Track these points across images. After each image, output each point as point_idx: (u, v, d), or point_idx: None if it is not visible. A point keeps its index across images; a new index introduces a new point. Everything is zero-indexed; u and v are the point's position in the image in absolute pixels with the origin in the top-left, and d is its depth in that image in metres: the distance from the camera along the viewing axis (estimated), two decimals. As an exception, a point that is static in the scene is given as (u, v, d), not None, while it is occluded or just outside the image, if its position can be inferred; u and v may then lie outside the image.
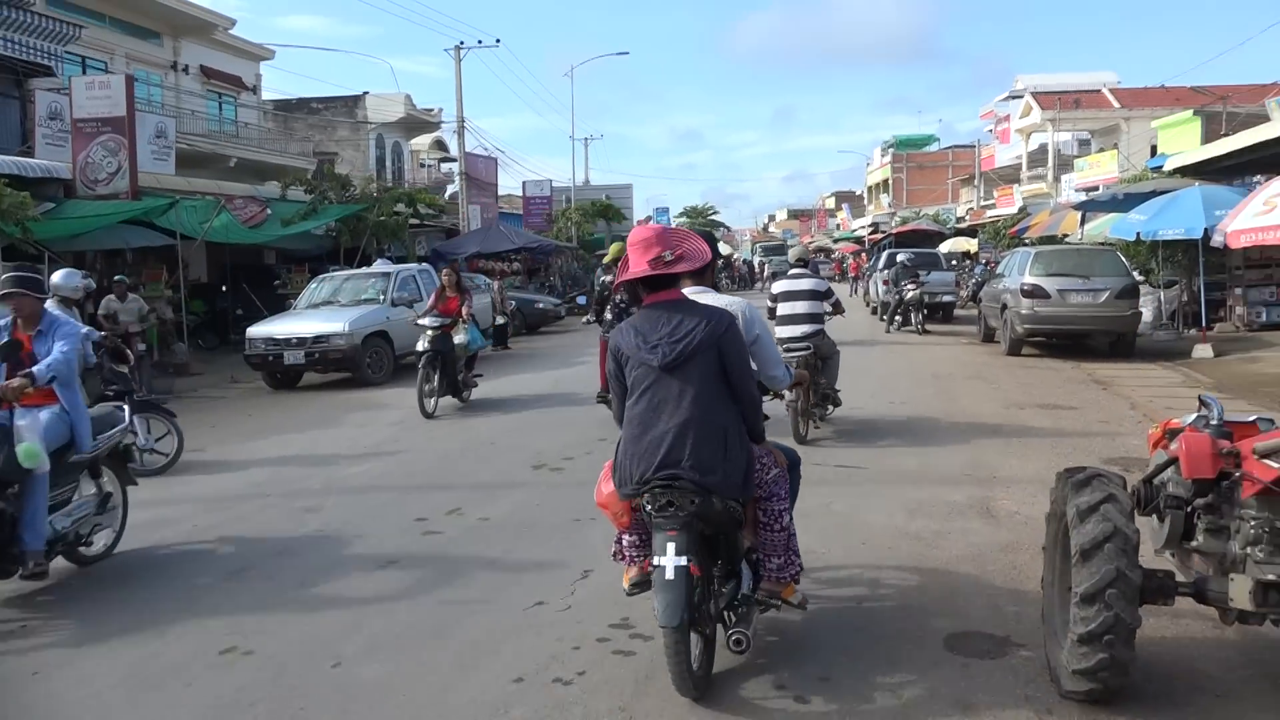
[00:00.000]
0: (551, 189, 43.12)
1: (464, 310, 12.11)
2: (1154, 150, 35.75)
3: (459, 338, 11.89)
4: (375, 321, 15.44)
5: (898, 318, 21.17)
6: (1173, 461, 3.92)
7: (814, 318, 9.25)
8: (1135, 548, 3.58)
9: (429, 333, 11.67)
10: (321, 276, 18.51)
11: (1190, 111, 34.23)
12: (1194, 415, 4.08)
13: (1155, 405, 10.76)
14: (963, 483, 7.26)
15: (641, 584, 4.19)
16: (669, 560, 3.75)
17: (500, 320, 20.63)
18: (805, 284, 9.48)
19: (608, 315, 11.20)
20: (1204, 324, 15.69)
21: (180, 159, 23.34)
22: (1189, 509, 3.90)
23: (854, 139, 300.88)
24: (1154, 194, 16.60)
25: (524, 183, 42.65)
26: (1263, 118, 22.46)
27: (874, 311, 25.77)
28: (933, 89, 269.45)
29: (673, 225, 8.22)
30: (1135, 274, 16.36)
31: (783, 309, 9.28)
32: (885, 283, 22.88)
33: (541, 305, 26.26)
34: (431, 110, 43.41)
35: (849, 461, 8.17)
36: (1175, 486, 3.98)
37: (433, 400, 11.61)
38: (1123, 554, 3.53)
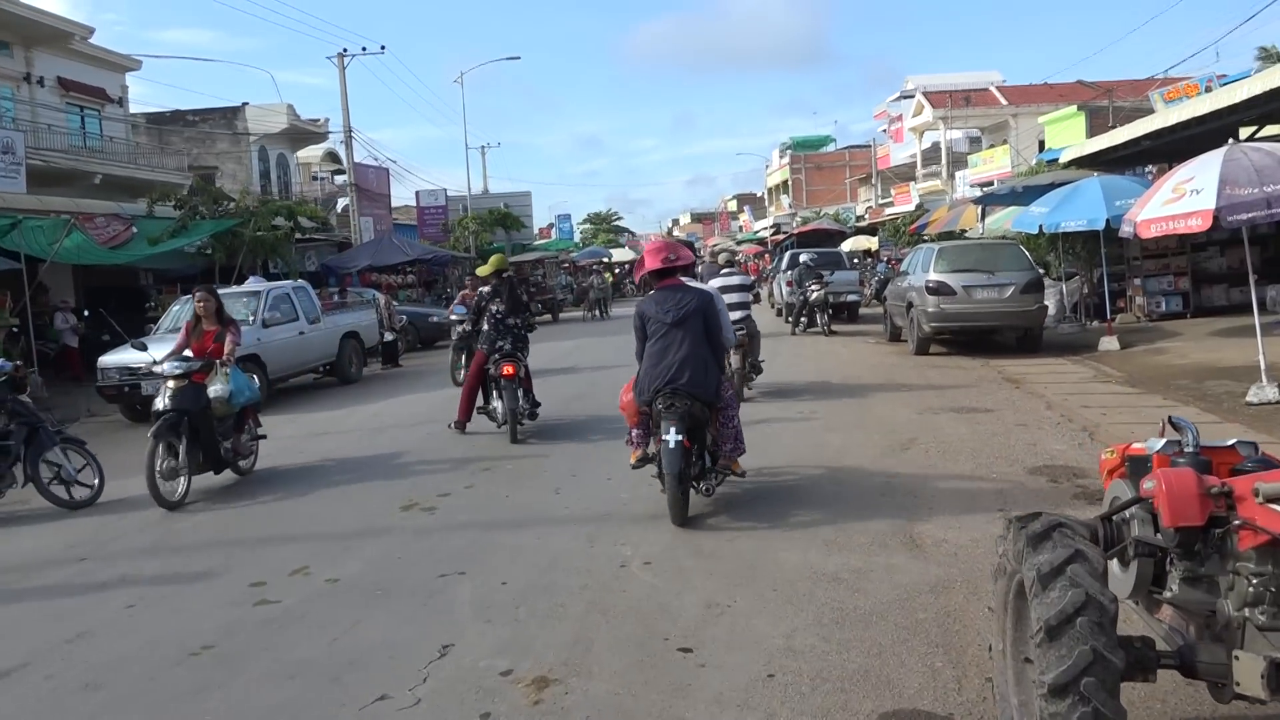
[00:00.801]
0: (447, 198, 41.80)
1: (226, 349, 8.81)
2: (1042, 145, 36.43)
3: (214, 389, 8.61)
4: (243, 344, 14.11)
5: (803, 319, 20.65)
6: (1138, 501, 3.17)
7: (744, 305, 11.74)
8: (1114, 620, 2.80)
9: (168, 385, 8.39)
10: (184, 297, 17.04)
11: (1074, 107, 35.02)
12: (1161, 441, 3.33)
13: (1071, 404, 10.28)
14: (882, 506, 6.52)
15: (642, 460, 6.80)
16: (672, 436, 6.26)
17: (389, 336, 19.37)
18: (736, 279, 11.98)
19: (484, 327, 10.30)
20: (1108, 316, 15.45)
21: (36, 176, 21.50)
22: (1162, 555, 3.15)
23: (753, 142, 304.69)
24: (1052, 186, 16.37)
25: (417, 192, 41.25)
26: (1146, 111, 22.67)
27: (779, 313, 25.28)
28: (827, 91, 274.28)
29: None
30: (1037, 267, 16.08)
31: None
32: (789, 284, 22.37)
33: (436, 319, 25.03)
34: (318, 121, 41.65)
35: (771, 473, 7.37)
36: (1143, 527, 3.21)
37: (179, 483, 8.18)
38: (1099, 631, 2.74)
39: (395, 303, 23.58)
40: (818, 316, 20.23)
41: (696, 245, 71.22)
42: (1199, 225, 8.90)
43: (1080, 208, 14.12)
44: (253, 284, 16.96)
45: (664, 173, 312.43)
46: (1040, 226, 14.62)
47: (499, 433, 10.27)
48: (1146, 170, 18.81)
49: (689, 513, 6.38)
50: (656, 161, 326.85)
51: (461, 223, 40.27)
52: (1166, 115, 14.94)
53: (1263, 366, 9.64)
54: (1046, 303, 15.51)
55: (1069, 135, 33.65)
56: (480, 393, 10.58)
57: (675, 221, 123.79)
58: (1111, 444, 4.02)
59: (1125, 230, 9.99)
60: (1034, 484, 6.91)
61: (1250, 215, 8.71)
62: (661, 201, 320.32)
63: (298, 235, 25.88)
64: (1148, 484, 3.09)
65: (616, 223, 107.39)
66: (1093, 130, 28.18)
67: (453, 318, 13.13)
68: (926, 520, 6.11)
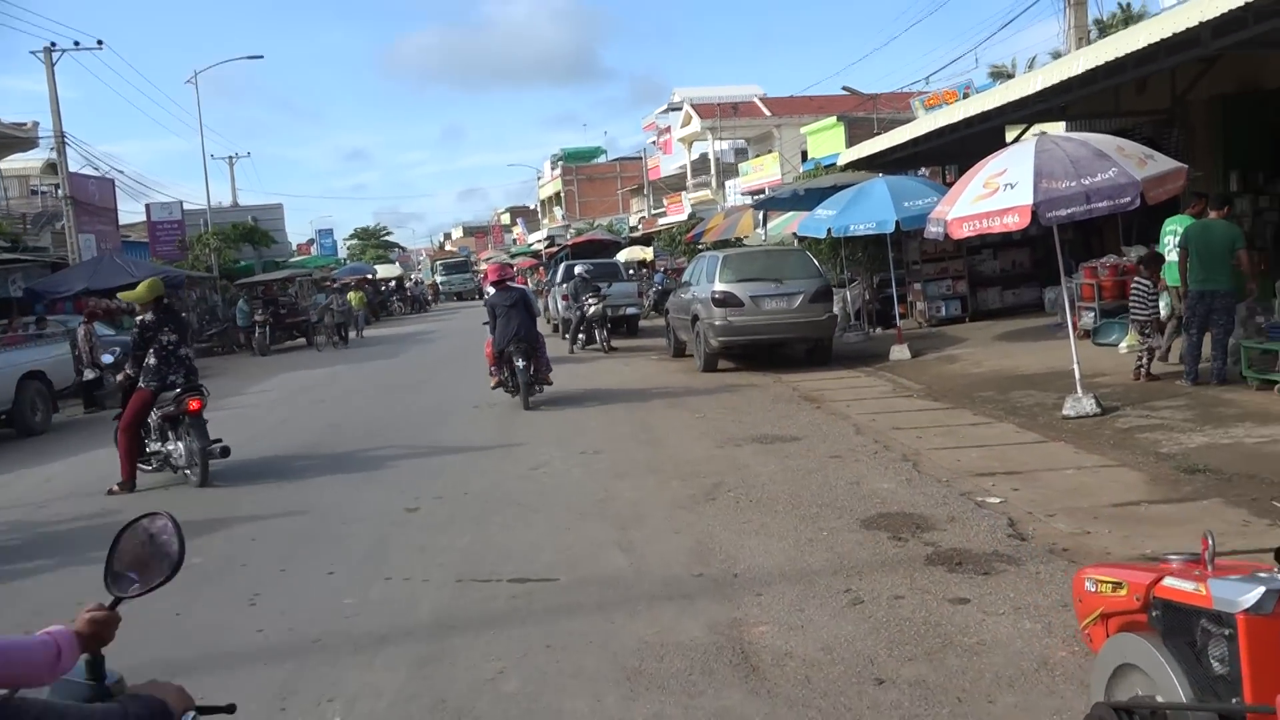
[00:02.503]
0: (183, 212, 37.43)
1: None
2: (805, 155, 37.04)
3: None
4: None
5: (580, 336, 19.12)
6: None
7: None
8: None
9: None
10: None
11: (834, 118, 35.82)
12: (1251, 589, 1.84)
13: (880, 425, 9.19)
14: (697, 598, 4.89)
15: (499, 385, 12.10)
16: (519, 363, 11.61)
17: (90, 374, 16.06)
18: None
19: (150, 361, 8.32)
20: (897, 324, 14.81)
21: None
22: None
23: (524, 155, 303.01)
24: (835, 188, 15.65)
25: (147, 205, 36.67)
26: (906, 120, 22.83)
27: (555, 329, 23.67)
28: (596, 105, 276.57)
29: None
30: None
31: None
32: (565, 298, 20.80)
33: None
34: (24, 125, 36.26)
35: (532, 573, 5.59)
36: None
37: None
38: None
39: (113, 331, 20.06)
40: (596, 333, 18.75)
41: (470, 259, 70.25)
42: (1016, 223, 7.97)
43: (868, 210, 13.33)
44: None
45: (435, 186, 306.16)
46: (829, 230, 13.72)
47: (179, 482, 8.29)
48: (920, 172, 18.58)
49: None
50: (427, 175, 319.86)
51: (201, 239, 36.13)
52: (951, 113, 14.49)
53: (1077, 376, 8.87)
54: (835, 311, 14.66)
55: (830, 145, 34.26)
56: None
57: (447, 235, 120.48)
58: (1097, 568, 2.51)
59: (933, 231, 8.99)
60: (875, 545, 5.53)
61: (1069, 211, 7.85)
62: (434, 215, 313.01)
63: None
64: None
65: (385, 237, 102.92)
66: (852, 140, 28.48)
67: (106, 360, 10.27)
68: (759, 619, 4.53)
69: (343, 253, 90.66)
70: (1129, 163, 7.98)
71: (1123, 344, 11.34)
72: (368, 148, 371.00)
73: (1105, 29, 28.39)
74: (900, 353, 13.81)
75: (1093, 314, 12.98)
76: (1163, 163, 8.24)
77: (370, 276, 46.09)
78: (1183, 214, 10.11)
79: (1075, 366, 8.89)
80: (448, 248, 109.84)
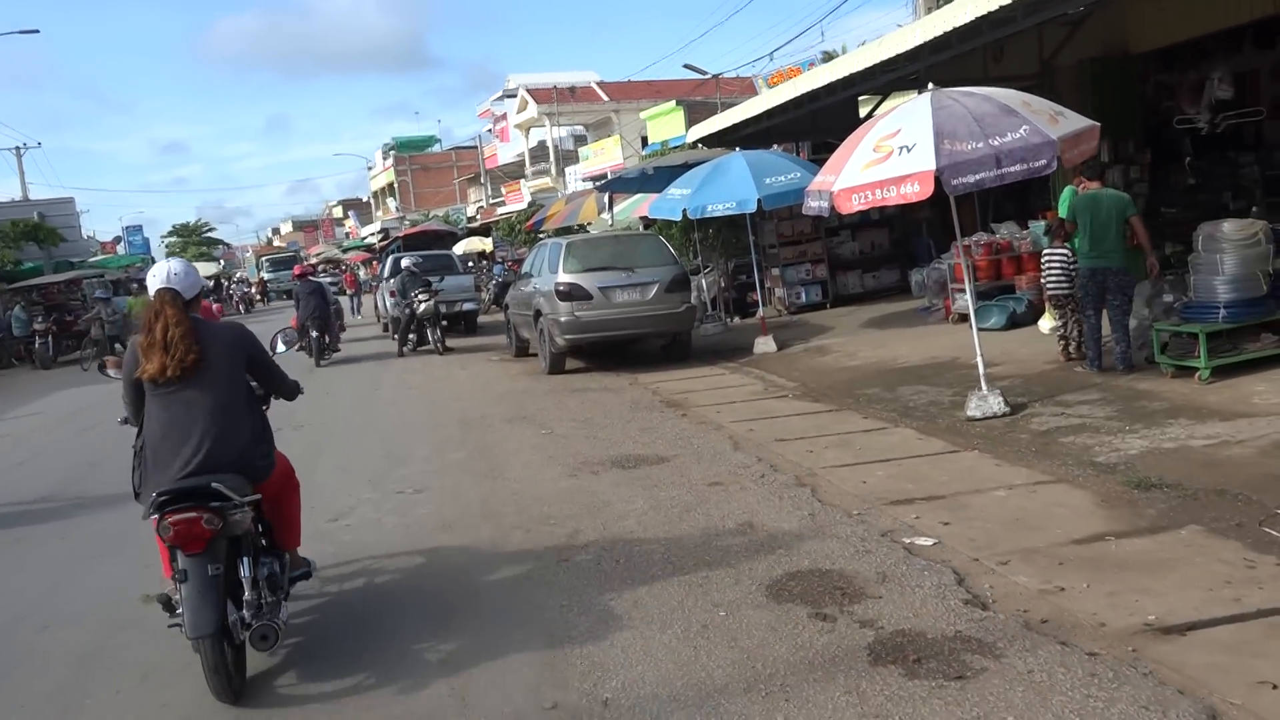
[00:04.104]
0: (-51, 208, 32.91)
1: None
2: (645, 141, 35.84)
3: None
4: None
5: (411, 336, 17.09)
6: None
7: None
8: None
9: None
10: None
11: (674, 102, 34.74)
12: None
13: (760, 437, 7.78)
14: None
15: (301, 349, 15.29)
16: (313, 334, 15.88)
17: None
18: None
19: None
20: (760, 313, 13.51)
21: None
22: None
23: (357, 146, 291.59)
24: (686, 166, 14.20)
25: (-100, 202, 32.02)
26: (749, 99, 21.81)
27: (385, 329, 21.48)
28: (428, 94, 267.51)
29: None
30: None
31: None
32: (393, 294, 18.69)
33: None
34: None
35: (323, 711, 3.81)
36: None
37: None
38: None
39: None
40: (429, 332, 16.78)
41: (300, 254, 67.22)
42: (917, 192, 6.64)
43: (727, 188, 11.93)
44: None
45: (262, 179, 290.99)
46: (684, 211, 12.25)
47: None
48: (773, 148, 17.38)
49: None
50: (253, 168, 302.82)
51: (-27, 238, 31.78)
52: (800, 83, 13.23)
53: (981, 371, 7.67)
54: (693, 301, 13.22)
55: (670, 129, 33.21)
56: None
57: (276, 230, 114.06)
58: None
59: (814, 206, 7.59)
60: (794, 630, 4.01)
61: (978, 177, 6.58)
62: (262, 210, 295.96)
63: None
64: None
65: (208, 234, 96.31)
66: (692, 124, 27.46)
67: None
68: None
69: (161, 253, 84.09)
70: (1039, 119, 6.79)
71: (1044, 325, 10.34)
72: (187, 139, 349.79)
73: None
74: (765, 345, 12.53)
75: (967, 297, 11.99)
76: (1074, 120, 7.10)
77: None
78: (1071, 185, 9.17)
79: (979, 359, 7.68)
80: (275, 243, 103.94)
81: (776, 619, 4.12)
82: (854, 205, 7.05)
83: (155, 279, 4.14)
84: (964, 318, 11.98)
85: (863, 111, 16.73)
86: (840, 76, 12.20)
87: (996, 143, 6.56)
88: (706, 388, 10.62)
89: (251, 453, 4.09)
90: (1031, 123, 6.71)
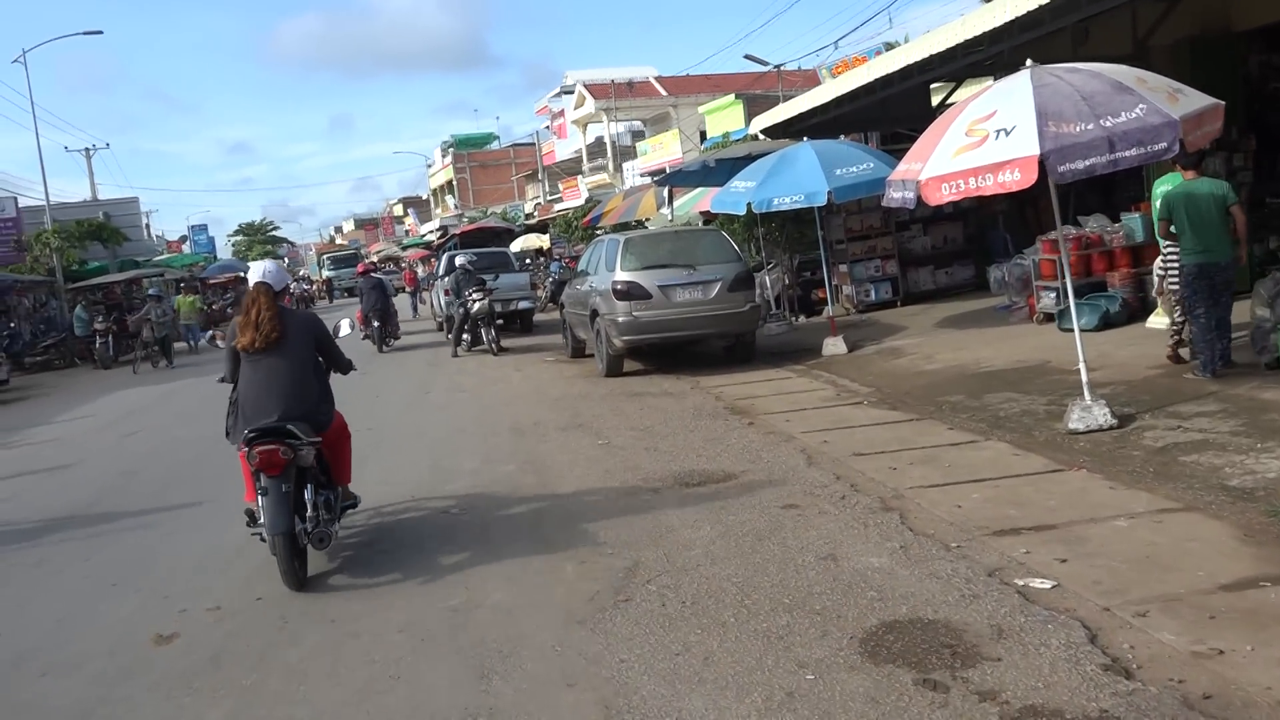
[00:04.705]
0: (19, 208, 33.35)
1: None
2: (704, 135, 35.10)
3: None
4: None
5: (465, 336, 16.66)
6: None
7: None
8: None
9: None
10: None
11: (733, 95, 33.94)
12: None
13: (836, 451, 7.10)
14: None
15: (367, 338, 18.37)
16: (375, 324, 18.36)
17: None
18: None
19: None
20: (829, 311, 12.77)
21: None
22: None
23: (417, 144, 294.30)
24: (749, 159, 13.51)
25: (-26, 204, 32.50)
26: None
27: (440, 328, 21.12)
28: (487, 92, 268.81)
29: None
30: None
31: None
32: (447, 293, 18.29)
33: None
34: None
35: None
36: None
37: None
38: None
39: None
40: (483, 332, 16.31)
41: (361, 251, 68.26)
42: (1018, 180, 5.90)
43: (794, 180, 11.21)
44: None
45: (326, 178, 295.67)
46: (748, 205, 11.57)
47: None
48: (840, 139, 16.61)
49: None
50: (317, 167, 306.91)
51: (39, 238, 32.18)
52: (872, 68, 12.47)
53: (1084, 377, 6.90)
54: (757, 300, 12.52)
55: (729, 123, 32.42)
56: None
57: (338, 229, 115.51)
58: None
59: (897, 197, 6.87)
60: (899, 703, 3.34)
61: (1089, 162, 5.81)
62: (325, 208, 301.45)
63: None
64: None
65: (273, 233, 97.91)
66: (751, 117, 26.72)
67: None
68: None
69: (227, 251, 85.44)
70: (1157, 97, 6.00)
71: (1155, 321, 9.53)
72: (252, 139, 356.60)
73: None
74: (835, 346, 11.80)
75: (1054, 295, 11.15)
76: (1194, 98, 6.29)
77: (242, 274, 42.41)
78: (1173, 172, 8.33)
79: (1081, 363, 6.92)
80: (338, 241, 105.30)
81: (876, 686, 3.46)
82: (944, 195, 6.33)
83: (254, 274, 5.49)
84: (1050, 317, 11.17)
85: (934, 100, 15.89)
86: (916, 59, 11.44)
87: (1109, 124, 5.80)
88: (773, 393, 9.95)
89: (317, 409, 5.38)
90: (1149, 101, 5.93)
